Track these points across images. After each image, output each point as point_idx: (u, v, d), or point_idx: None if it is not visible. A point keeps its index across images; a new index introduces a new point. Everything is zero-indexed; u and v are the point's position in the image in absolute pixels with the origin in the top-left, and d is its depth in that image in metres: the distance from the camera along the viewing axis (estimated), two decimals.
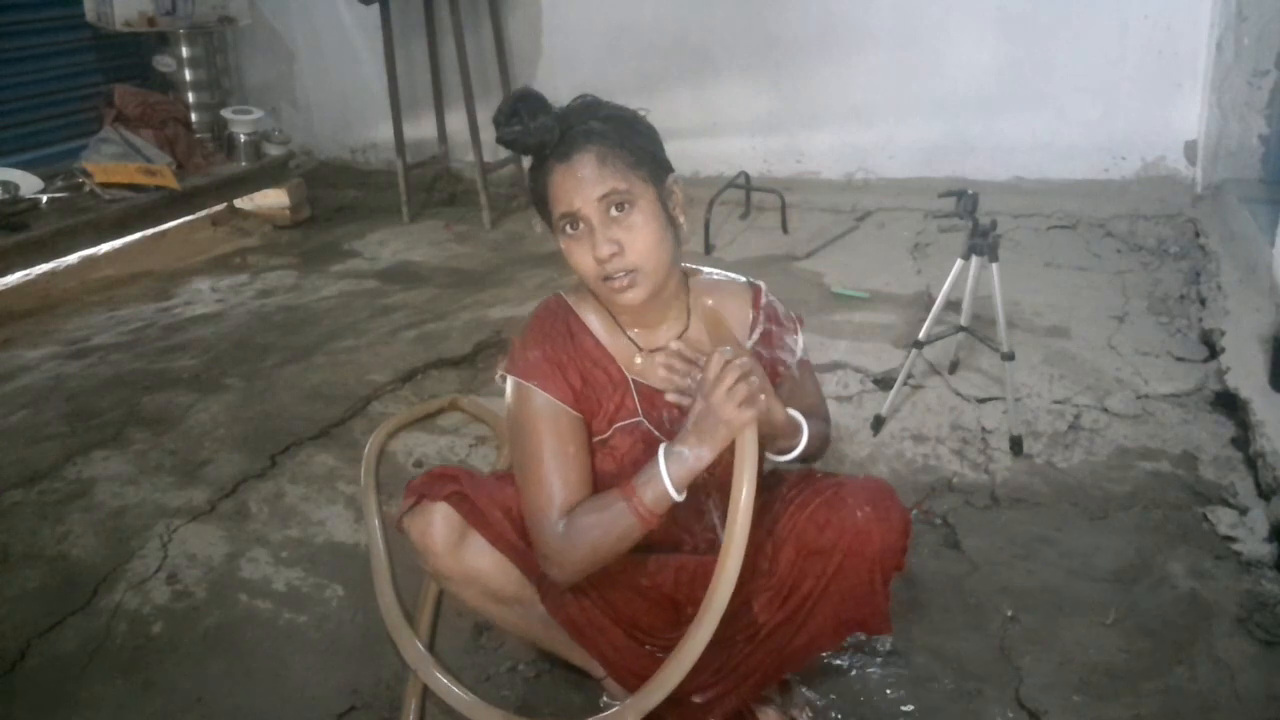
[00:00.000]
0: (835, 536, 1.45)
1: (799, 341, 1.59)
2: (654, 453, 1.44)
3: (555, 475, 1.42)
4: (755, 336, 1.55)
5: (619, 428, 1.49)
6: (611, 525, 1.37)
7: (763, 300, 1.57)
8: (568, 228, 1.40)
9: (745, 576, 1.55)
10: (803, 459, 1.54)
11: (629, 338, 1.51)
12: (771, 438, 1.44)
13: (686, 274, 1.56)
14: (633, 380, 1.49)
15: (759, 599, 1.53)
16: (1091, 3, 3.93)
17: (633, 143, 1.41)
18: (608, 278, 1.39)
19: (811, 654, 1.58)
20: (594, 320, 1.51)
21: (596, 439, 1.50)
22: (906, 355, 2.60)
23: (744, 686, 1.58)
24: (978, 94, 4.19)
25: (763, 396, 1.33)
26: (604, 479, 1.49)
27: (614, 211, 1.37)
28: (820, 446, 1.56)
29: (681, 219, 1.47)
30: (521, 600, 1.56)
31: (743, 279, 1.61)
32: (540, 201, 1.45)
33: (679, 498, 1.35)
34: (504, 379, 1.50)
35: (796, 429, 1.46)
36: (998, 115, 4.18)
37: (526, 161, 1.51)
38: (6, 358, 3.36)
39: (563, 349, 1.47)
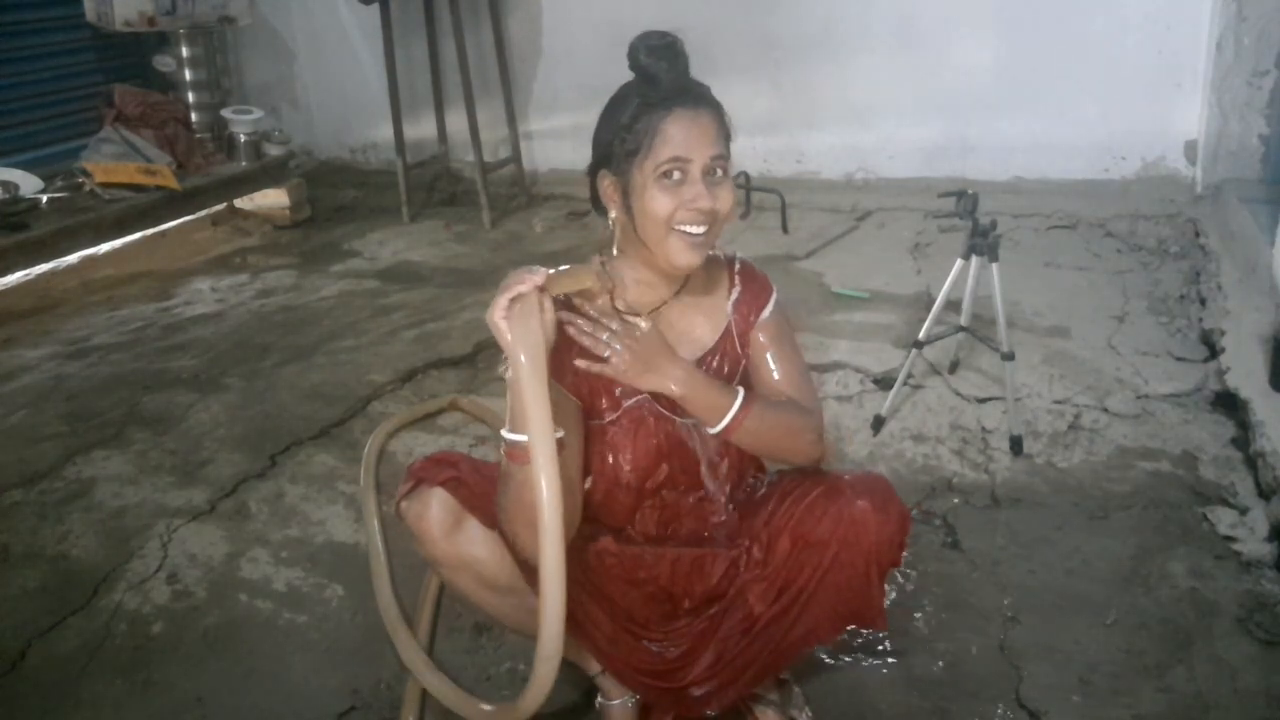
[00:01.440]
0: (832, 526, 1.46)
1: (770, 301, 1.59)
2: (660, 428, 1.50)
3: None
4: (734, 297, 1.58)
5: (628, 407, 1.51)
6: (508, 485, 1.38)
7: (737, 266, 1.61)
8: (672, 172, 1.42)
9: (739, 567, 1.57)
10: (771, 441, 1.49)
11: (632, 310, 1.53)
12: (703, 407, 1.42)
13: None
14: None
15: (754, 590, 1.54)
16: (1091, 3, 3.93)
17: (729, 125, 1.51)
18: (679, 227, 1.43)
19: (808, 647, 1.58)
20: (594, 303, 1.53)
21: (608, 421, 1.51)
22: (906, 355, 2.60)
23: (742, 679, 1.58)
24: (978, 94, 4.19)
25: (541, 322, 1.28)
26: (624, 459, 1.51)
27: (713, 174, 1.45)
28: (786, 433, 1.49)
29: None
30: (515, 590, 1.55)
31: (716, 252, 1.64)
32: (633, 141, 1.43)
33: (508, 432, 1.33)
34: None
35: (720, 395, 1.43)
36: (998, 115, 4.19)
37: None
38: (6, 358, 3.36)
39: (561, 334, 1.48)
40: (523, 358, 1.25)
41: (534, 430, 1.24)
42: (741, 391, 1.45)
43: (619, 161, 1.45)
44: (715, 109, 1.48)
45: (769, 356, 1.57)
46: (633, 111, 1.43)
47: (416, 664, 1.76)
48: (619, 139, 1.44)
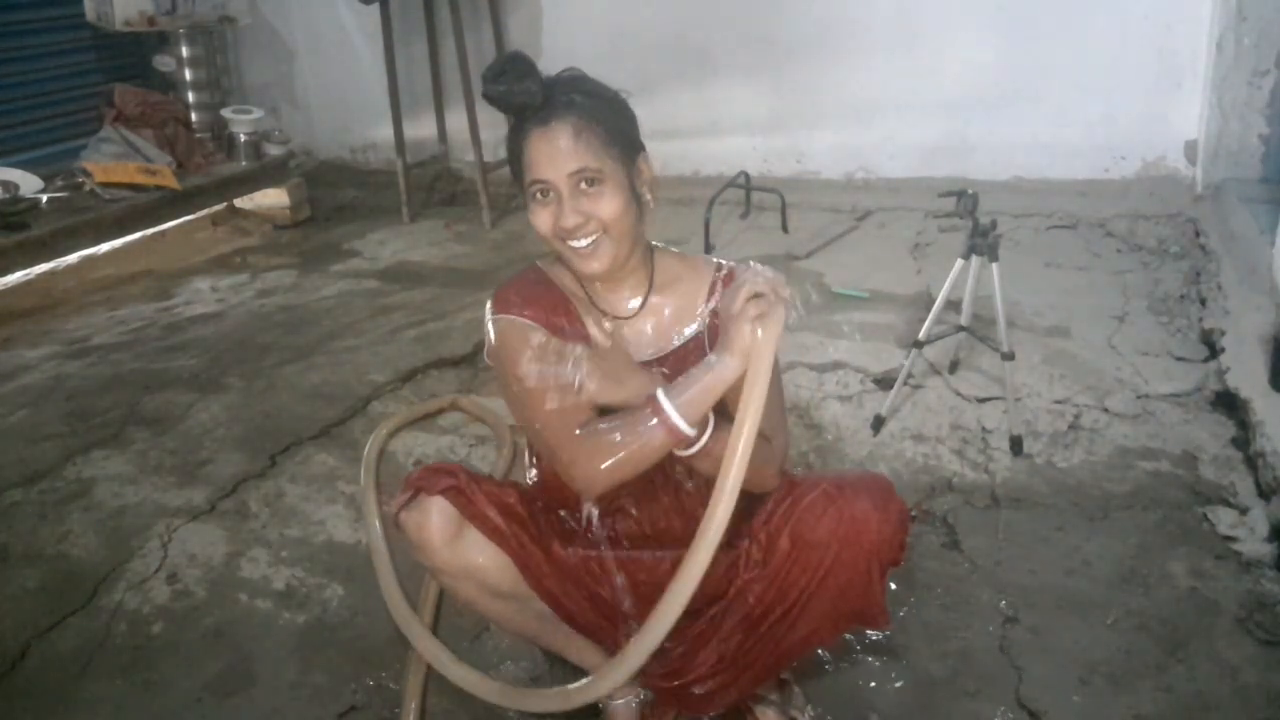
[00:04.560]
0: (832, 526, 1.46)
1: None
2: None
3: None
4: (712, 304, 1.58)
5: None
6: (638, 438, 1.35)
7: (723, 271, 1.59)
8: (538, 194, 1.45)
9: (739, 568, 1.57)
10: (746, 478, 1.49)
11: (597, 308, 1.56)
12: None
13: (653, 249, 1.60)
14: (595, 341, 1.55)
15: (753, 590, 1.54)
16: (1091, 3, 3.93)
17: (609, 120, 1.45)
18: (567, 240, 1.45)
19: (810, 647, 1.59)
20: (566, 285, 1.57)
21: None
22: (906, 355, 2.60)
23: (744, 678, 1.59)
24: (978, 94, 4.19)
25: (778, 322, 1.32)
26: None
27: (583, 186, 1.43)
28: (757, 463, 1.42)
29: (648, 196, 1.51)
30: (518, 595, 1.56)
31: (711, 258, 1.65)
32: (515, 161, 1.48)
33: (689, 431, 1.32)
34: (491, 336, 1.54)
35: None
36: (998, 115, 4.19)
37: None
38: (6, 358, 3.36)
39: (536, 298, 1.54)
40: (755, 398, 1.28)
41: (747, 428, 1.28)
42: (713, 420, 1.39)
43: (516, 180, 1.50)
44: (577, 116, 1.41)
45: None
46: (510, 135, 1.48)
47: (438, 657, 1.75)
48: (511, 163, 1.49)
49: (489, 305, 1.55)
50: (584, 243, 1.45)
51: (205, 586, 2.12)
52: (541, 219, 1.45)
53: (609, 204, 1.43)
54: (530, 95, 1.41)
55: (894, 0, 4.23)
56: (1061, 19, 3.98)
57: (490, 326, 1.52)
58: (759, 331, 1.28)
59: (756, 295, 1.29)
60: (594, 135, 1.42)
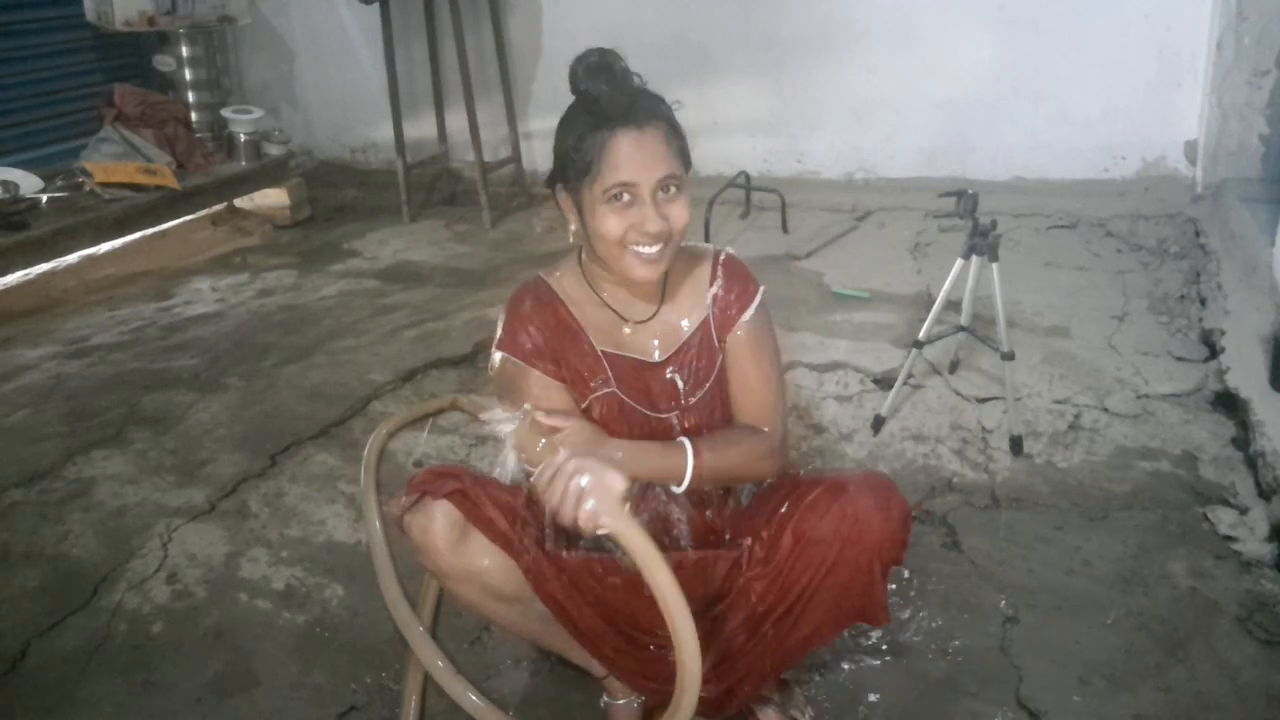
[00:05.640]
0: (835, 524, 1.46)
1: (754, 303, 1.61)
2: (631, 420, 1.54)
3: None
4: (714, 289, 1.60)
5: (595, 398, 1.56)
6: None
7: (723, 257, 1.63)
8: (621, 194, 1.43)
9: (742, 567, 1.58)
10: (729, 478, 1.54)
11: (613, 310, 1.58)
12: (658, 475, 1.46)
13: None
14: (603, 352, 1.57)
15: (755, 588, 1.54)
16: (1091, 3, 3.93)
17: (682, 134, 1.50)
18: (632, 246, 1.45)
19: (811, 646, 1.59)
20: (571, 296, 1.58)
21: (583, 406, 1.56)
22: (906, 355, 2.60)
23: (747, 680, 1.59)
24: (978, 94, 4.19)
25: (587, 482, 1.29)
26: None
27: (662, 193, 1.44)
28: (742, 465, 1.53)
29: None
30: (521, 598, 1.56)
31: (707, 245, 1.68)
32: (586, 162, 1.43)
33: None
34: (493, 367, 1.58)
35: (669, 459, 1.45)
36: (998, 115, 4.19)
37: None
38: (6, 358, 3.36)
39: (543, 324, 1.55)
40: (640, 547, 1.27)
41: (675, 612, 1.26)
42: (688, 446, 1.46)
43: (572, 179, 1.46)
44: (663, 124, 1.46)
45: (745, 362, 1.60)
46: (579, 131, 1.44)
47: (433, 663, 1.76)
48: (569, 158, 1.45)
49: (499, 330, 1.57)
50: (654, 249, 1.45)
51: (205, 586, 2.12)
52: (613, 223, 1.43)
53: (683, 212, 1.46)
54: (626, 99, 1.41)
55: (894, 0, 4.23)
56: (1061, 19, 3.98)
57: (495, 357, 1.57)
58: (588, 505, 1.28)
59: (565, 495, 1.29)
60: (676, 145, 1.46)
